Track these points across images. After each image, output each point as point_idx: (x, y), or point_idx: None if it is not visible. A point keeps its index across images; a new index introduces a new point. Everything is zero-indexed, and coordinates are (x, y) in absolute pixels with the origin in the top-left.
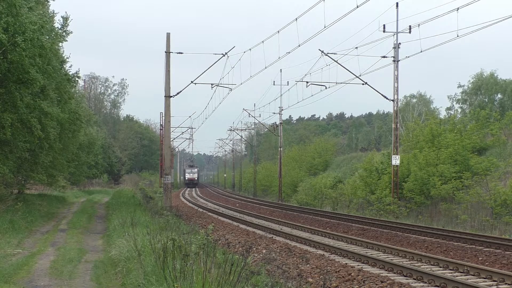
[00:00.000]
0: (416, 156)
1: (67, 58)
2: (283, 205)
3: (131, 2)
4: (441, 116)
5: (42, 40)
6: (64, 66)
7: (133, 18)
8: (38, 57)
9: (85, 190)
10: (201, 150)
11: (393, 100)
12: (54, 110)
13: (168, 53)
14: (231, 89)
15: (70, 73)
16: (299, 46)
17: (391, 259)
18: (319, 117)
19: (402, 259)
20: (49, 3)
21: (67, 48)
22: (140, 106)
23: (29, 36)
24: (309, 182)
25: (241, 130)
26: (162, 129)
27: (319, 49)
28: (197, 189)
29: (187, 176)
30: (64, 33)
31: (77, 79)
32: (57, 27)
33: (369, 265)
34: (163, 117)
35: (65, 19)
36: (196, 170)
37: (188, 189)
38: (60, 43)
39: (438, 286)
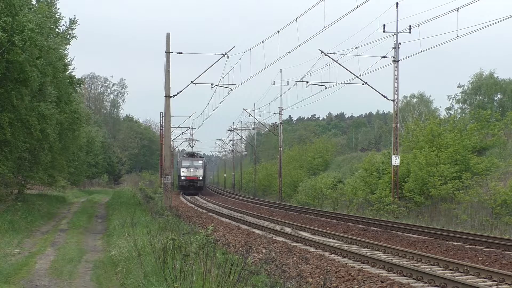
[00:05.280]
0: (416, 156)
1: (71, 60)
2: (283, 205)
3: (131, 2)
4: (441, 116)
5: (40, 40)
6: (68, 68)
7: (133, 17)
8: (36, 57)
9: (85, 190)
10: (201, 150)
11: (393, 100)
12: (52, 112)
13: (168, 53)
14: (231, 89)
15: (75, 77)
16: (299, 46)
17: (391, 259)
18: (319, 117)
19: (402, 259)
20: (57, 5)
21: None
22: (140, 106)
23: (27, 35)
24: (309, 182)
25: (241, 130)
26: (162, 129)
27: (319, 49)
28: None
29: (184, 173)
30: (68, 35)
31: (80, 85)
32: (62, 30)
33: (369, 265)
34: (163, 117)
35: (72, 21)
36: (201, 162)
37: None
38: (64, 45)
39: (438, 286)
